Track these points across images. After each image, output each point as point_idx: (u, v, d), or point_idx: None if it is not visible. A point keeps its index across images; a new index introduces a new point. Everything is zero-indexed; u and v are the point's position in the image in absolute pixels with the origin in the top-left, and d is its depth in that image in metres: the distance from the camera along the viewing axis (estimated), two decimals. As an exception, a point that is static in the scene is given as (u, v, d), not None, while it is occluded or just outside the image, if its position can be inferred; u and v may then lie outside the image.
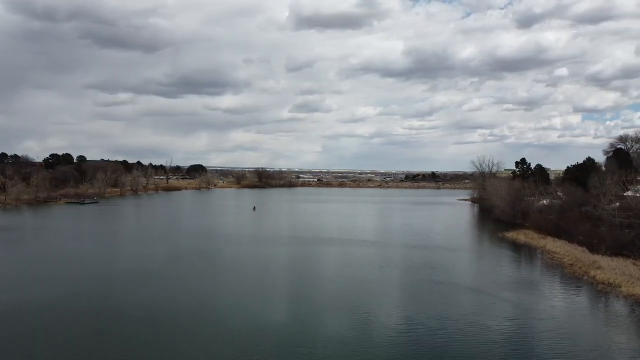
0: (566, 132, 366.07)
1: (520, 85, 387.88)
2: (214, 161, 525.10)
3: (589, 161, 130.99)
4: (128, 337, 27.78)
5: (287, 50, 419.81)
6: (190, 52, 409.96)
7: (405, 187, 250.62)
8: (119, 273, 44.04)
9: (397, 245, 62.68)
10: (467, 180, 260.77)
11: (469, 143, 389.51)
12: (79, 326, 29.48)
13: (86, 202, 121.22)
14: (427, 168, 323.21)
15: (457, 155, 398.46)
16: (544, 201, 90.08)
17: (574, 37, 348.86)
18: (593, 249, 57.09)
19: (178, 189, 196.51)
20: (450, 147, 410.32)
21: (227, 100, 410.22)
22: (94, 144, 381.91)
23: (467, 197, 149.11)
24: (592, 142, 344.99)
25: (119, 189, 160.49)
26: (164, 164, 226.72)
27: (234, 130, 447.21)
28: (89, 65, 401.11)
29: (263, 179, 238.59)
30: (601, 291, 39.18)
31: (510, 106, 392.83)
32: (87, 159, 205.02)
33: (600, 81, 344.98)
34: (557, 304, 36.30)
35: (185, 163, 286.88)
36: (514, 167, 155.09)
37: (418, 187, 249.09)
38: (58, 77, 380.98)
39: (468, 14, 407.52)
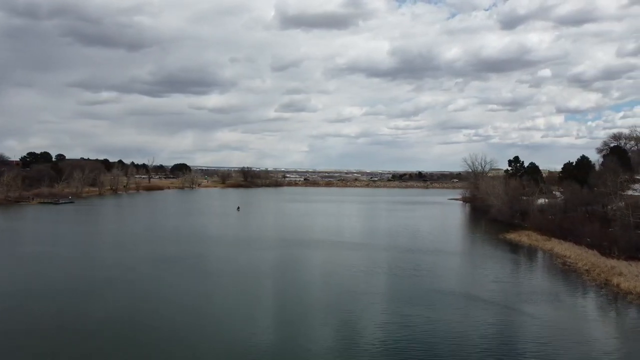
0: (549, 132, 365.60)
1: (505, 86, 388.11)
2: (199, 161, 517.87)
3: (584, 159, 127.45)
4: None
5: (273, 49, 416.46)
6: (176, 50, 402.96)
7: (393, 187, 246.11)
8: (80, 283, 38.06)
9: (391, 248, 57.27)
10: (455, 180, 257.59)
11: (454, 143, 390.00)
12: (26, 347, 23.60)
13: (60, 202, 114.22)
14: (412, 168, 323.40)
15: (442, 155, 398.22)
16: (543, 200, 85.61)
17: (557, 39, 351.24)
18: (604, 251, 52.44)
19: (160, 188, 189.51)
20: (435, 147, 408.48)
21: (213, 100, 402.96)
22: (78, 143, 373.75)
23: (458, 196, 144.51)
24: (574, 143, 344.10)
25: (97, 189, 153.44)
26: (146, 162, 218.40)
27: (220, 130, 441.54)
28: (72, 63, 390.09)
29: (249, 179, 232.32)
30: (632, 303, 34.13)
31: (495, 106, 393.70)
32: (70, 158, 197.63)
33: (582, 82, 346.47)
34: (590, 320, 31.26)
35: (171, 162, 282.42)
36: (503, 167, 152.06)
37: (406, 187, 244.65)
38: (40, 75, 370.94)
39: (453, 15, 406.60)
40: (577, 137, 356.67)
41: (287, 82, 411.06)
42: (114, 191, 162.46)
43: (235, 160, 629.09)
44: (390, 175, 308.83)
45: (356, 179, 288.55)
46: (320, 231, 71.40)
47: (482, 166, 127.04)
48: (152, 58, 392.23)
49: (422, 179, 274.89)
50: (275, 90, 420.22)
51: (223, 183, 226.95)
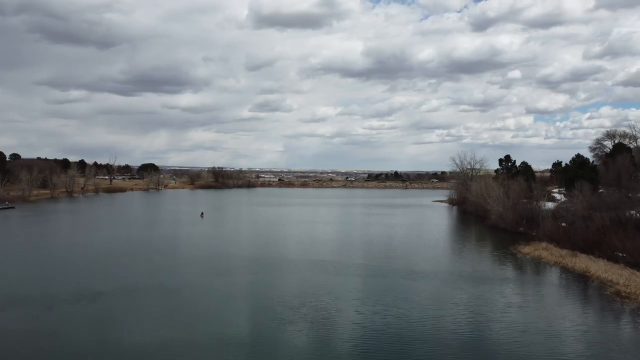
0: (519, 132, 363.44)
1: (476, 87, 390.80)
2: (172, 161, 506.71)
3: (579, 158, 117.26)
4: None
5: (247, 49, 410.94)
6: (148, 49, 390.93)
7: (372, 187, 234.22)
8: None
9: (379, 272, 44.43)
10: (435, 180, 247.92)
11: (427, 143, 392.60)
12: None
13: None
14: (387, 168, 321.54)
15: (416, 155, 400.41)
16: (549, 205, 74.29)
17: (526, 41, 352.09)
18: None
19: (123, 190, 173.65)
20: (409, 147, 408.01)
21: (186, 99, 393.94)
22: (46, 143, 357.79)
23: (444, 198, 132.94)
24: (543, 143, 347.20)
25: (49, 191, 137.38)
26: (109, 162, 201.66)
27: (194, 130, 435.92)
28: (39, 60, 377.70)
29: (220, 179, 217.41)
30: None
31: (467, 107, 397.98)
32: (27, 158, 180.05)
33: (550, 84, 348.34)
34: None
35: (143, 162, 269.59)
36: (492, 166, 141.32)
37: (385, 187, 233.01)
38: (6, 73, 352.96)
39: (426, 17, 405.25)
40: (546, 137, 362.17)
41: (261, 82, 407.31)
42: (69, 194, 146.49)
43: (209, 160, 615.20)
44: (366, 175, 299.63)
45: (332, 179, 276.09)
46: (293, 246, 58.38)
47: (471, 165, 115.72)
48: (123, 56, 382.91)
49: (400, 179, 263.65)
50: (250, 89, 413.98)
51: (192, 184, 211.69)
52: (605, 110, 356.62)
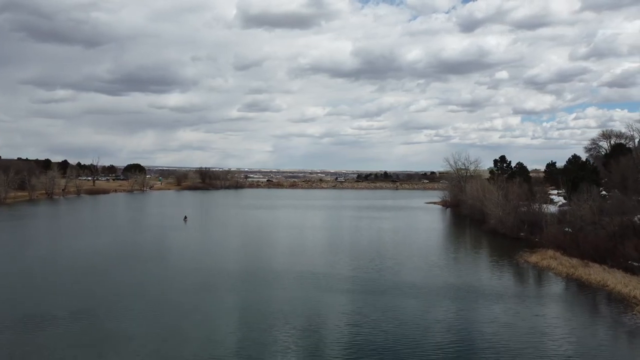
0: (507, 132, 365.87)
1: (464, 88, 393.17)
2: (160, 161, 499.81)
3: (576, 159, 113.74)
4: None
5: (235, 48, 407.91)
6: (135, 48, 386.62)
7: (361, 188, 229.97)
8: None
9: (377, 287, 39.92)
10: (426, 181, 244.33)
11: (415, 143, 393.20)
12: None
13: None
14: (376, 168, 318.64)
15: (405, 155, 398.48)
16: (551, 208, 70.25)
17: (514, 42, 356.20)
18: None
19: (106, 191, 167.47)
20: (398, 147, 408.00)
21: (174, 99, 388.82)
22: (31, 142, 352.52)
23: (437, 199, 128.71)
24: (530, 143, 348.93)
25: (27, 193, 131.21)
26: (93, 162, 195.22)
27: (182, 129, 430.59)
28: (25, 59, 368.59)
29: (207, 180, 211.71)
30: None
31: (455, 107, 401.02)
32: (6, 159, 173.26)
33: (537, 84, 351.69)
34: None
35: (130, 163, 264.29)
36: (485, 166, 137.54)
37: (375, 188, 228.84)
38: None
39: (414, 17, 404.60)
40: (533, 137, 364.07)
41: (250, 82, 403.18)
42: (49, 196, 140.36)
43: (197, 161, 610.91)
44: (356, 176, 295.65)
45: (321, 180, 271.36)
46: (280, 257, 53.40)
47: (465, 166, 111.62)
48: (110, 56, 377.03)
49: (390, 179, 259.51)
50: (238, 89, 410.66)
51: (178, 185, 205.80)
52: (591, 110, 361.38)
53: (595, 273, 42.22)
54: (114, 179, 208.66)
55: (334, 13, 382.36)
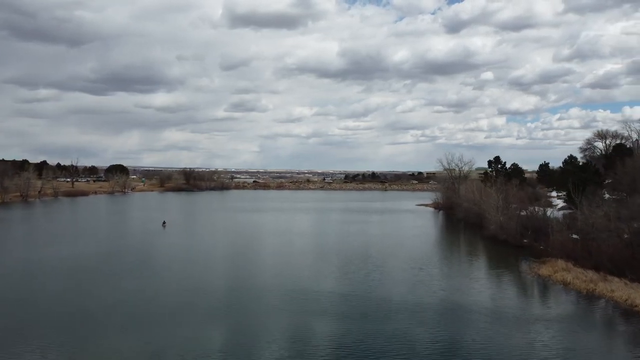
0: (492, 133, 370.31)
1: (450, 88, 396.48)
2: (145, 161, 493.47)
3: (572, 159, 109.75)
4: None
5: (221, 48, 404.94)
6: (120, 47, 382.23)
7: (350, 189, 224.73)
8: None
9: (371, 308, 34.57)
10: (415, 182, 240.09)
11: (402, 143, 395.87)
12: None
13: None
14: (363, 168, 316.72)
15: (391, 155, 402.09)
16: (554, 213, 65.59)
17: (499, 43, 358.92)
18: None
19: (85, 193, 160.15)
20: (384, 147, 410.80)
21: (159, 98, 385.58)
22: (14, 143, 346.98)
23: (428, 201, 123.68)
24: (515, 143, 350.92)
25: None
26: (72, 163, 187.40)
27: (168, 129, 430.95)
28: (6, 58, 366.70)
29: (191, 181, 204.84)
30: None
31: (441, 108, 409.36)
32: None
33: (522, 85, 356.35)
34: None
35: (115, 163, 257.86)
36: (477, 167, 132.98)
37: (363, 189, 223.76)
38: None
39: (401, 18, 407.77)
40: (518, 137, 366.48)
41: (236, 82, 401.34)
42: (24, 198, 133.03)
43: (184, 161, 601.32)
44: (343, 176, 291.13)
45: (309, 180, 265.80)
46: (264, 271, 47.75)
47: (459, 167, 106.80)
48: (95, 55, 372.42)
49: (378, 180, 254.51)
50: (225, 89, 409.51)
51: (162, 186, 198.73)
52: (574, 111, 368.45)
53: (619, 289, 37.24)
54: (94, 180, 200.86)
55: (321, 13, 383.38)
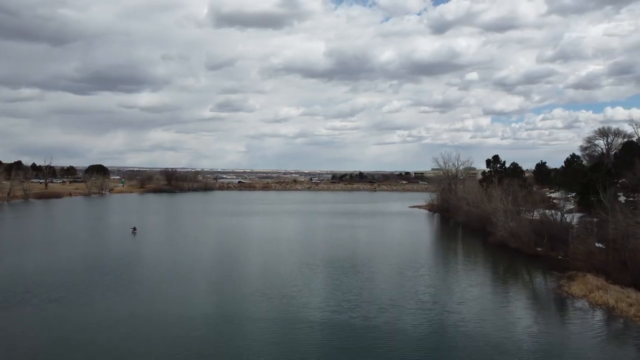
0: (477, 133, 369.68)
1: (436, 89, 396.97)
2: (131, 161, 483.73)
3: (575, 159, 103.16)
4: None
5: (207, 47, 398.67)
6: (104, 46, 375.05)
7: (338, 190, 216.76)
8: None
9: (367, 345, 26.66)
10: (404, 182, 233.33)
11: (388, 144, 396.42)
12: None
13: None
14: (350, 168, 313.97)
15: (378, 155, 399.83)
16: (569, 218, 58.20)
17: (484, 44, 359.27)
18: None
19: (59, 195, 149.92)
20: (371, 147, 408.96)
21: (144, 98, 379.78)
22: None
23: (422, 202, 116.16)
24: (500, 143, 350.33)
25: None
26: (45, 163, 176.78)
27: (153, 129, 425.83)
28: None
29: (173, 182, 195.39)
30: None
31: (427, 108, 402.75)
32: None
33: (506, 86, 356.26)
34: None
35: (101, 163, 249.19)
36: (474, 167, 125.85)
37: (352, 190, 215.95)
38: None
39: (387, 19, 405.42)
40: (502, 137, 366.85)
41: (222, 82, 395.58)
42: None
43: (170, 161, 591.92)
44: (331, 176, 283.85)
45: (295, 180, 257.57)
46: (245, 290, 39.40)
47: (455, 167, 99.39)
48: (78, 54, 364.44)
49: (367, 180, 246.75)
50: (211, 89, 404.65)
51: (142, 187, 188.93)
52: (558, 112, 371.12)
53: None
54: (70, 182, 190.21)
55: (307, 13, 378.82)
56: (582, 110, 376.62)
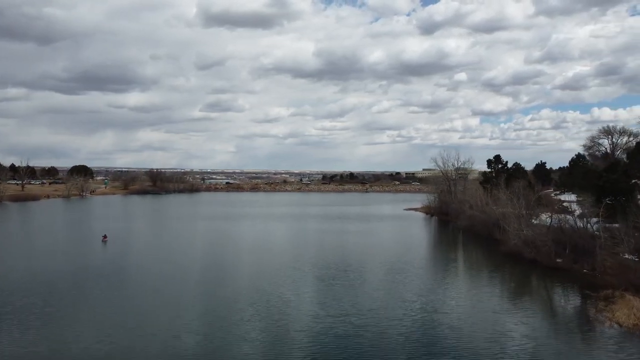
0: (466, 133, 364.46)
1: (425, 89, 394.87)
2: (120, 162, 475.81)
3: (581, 158, 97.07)
4: None
5: (197, 47, 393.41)
6: (92, 45, 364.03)
7: (328, 191, 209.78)
8: None
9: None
10: (397, 182, 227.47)
11: (378, 144, 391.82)
12: None
13: None
14: (340, 168, 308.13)
15: (368, 155, 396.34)
16: (590, 226, 51.70)
17: (473, 45, 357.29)
18: None
19: (36, 198, 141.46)
20: (361, 147, 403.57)
21: (133, 98, 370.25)
22: None
23: (418, 205, 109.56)
24: (489, 144, 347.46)
25: None
26: (22, 164, 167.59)
27: (142, 130, 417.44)
28: None
29: (158, 183, 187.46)
30: None
31: (416, 109, 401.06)
32: None
33: (494, 87, 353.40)
34: None
35: (90, 164, 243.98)
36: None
37: (343, 191, 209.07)
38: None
39: (376, 19, 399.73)
40: (491, 138, 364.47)
41: (212, 81, 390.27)
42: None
43: (159, 161, 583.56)
44: (321, 176, 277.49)
45: (285, 181, 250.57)
46: (223, 318, 32.32)
47: (454, 166, 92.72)
48: (66, 53, 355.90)
49: (358, 181, 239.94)
50: (200, 89, 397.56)
51: (125, 188, 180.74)
52: (545, 112, 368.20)
53: None
54: (50, 183, 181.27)
55: (296, 13, 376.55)
56: (570, 111, 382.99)
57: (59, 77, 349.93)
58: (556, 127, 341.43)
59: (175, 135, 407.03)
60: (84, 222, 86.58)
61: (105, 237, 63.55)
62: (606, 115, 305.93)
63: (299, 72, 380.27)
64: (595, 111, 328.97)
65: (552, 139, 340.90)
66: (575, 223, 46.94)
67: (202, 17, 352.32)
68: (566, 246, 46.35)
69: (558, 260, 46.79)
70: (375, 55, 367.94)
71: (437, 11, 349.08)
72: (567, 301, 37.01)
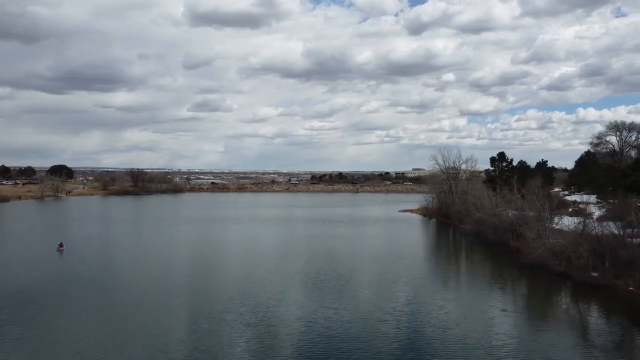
0: (454, 133, 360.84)
1: (413, 89, 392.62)
2: (107, 162, 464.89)
3: (590, 156, 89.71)
4: None
5: (184, 47, 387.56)
6: (78, 44, 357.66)
7: (318, 191, 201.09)
8: None
9: None
10: (388, 182, 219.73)
11: (367, 144, 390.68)
12: None
13: None
14: (328, 168, 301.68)
15: (357, 155, 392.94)
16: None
17: (460, 46, 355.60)
18: None
19: (6, 199, 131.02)
20: (349, 147, 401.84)
21: (120, 98, 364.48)
22: None
23: (414, 206, 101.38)
24: (476, 143, 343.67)
25: None
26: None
27: (129, 129, 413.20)
28: None
29: (140, 183, 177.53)
30: None
31: (404, 109, 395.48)
32: None
33: (482, 87, 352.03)
34: None
35: (76, 164, 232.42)
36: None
37: (333, 191, 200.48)
38: None
39: (364, 19, 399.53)
40: (478, 138, 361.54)
41: (200, 81, 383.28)
42: None
43: (147, 161, 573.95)
44: (310, 176, 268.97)
45: (274, 181, 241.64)
46: (195, 341, 23.80)
47: (455, 165, 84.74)
48: (51, 52, 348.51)
49: (347, 181, 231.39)
50: (188, 89, 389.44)
51: (105, 189, 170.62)
52: (532, 112, 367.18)
53: None
54: (24, 184, 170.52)
55: (285, 13, 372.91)
56: (556, 111, 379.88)
57: (45, 76, 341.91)
58: (542, 127, 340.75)
59: (163, 135, 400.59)
60: (46, 227, 77.19)
61: (61, 245, 54.56)
62: (591, 115, 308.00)
63: (287, 72, 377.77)
64: (581, 111, 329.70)
65: (539, 139, 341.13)
66: (619, 231, 38.88)
67: (189, 17, 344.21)
68: (604, 258, 38.42)
69: (594, 274, 38.91)
70: (364, 55, 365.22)
71: (425, 12, 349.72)
72: (611, 326, 29.12)
